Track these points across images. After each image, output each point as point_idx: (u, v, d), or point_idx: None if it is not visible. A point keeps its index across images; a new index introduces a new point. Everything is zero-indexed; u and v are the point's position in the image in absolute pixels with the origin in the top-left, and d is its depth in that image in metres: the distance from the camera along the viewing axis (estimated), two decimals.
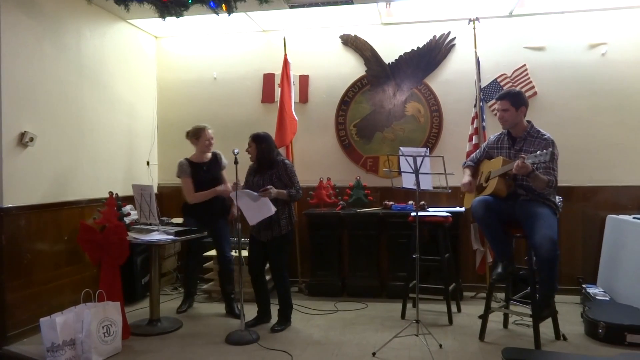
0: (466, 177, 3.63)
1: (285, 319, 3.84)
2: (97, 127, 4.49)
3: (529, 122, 3.40)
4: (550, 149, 3.00)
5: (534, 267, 3.27)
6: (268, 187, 3.55)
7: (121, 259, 3.57)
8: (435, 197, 4.73)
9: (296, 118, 4.88)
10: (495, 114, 4.61)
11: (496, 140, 3.55)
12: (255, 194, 3.52)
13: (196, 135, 4.16)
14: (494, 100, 4.68)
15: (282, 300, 3.84)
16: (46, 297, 3.78)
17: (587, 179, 4.61)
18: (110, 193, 4.12)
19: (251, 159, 3.80)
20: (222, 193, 4.15)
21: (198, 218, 4.08)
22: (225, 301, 4.23)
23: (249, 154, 3.77)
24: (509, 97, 3.36)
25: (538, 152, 3.00)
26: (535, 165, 3.06)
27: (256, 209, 3.55)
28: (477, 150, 3.79)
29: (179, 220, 4.57)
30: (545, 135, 3.30)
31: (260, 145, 3.72)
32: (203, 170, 4.13)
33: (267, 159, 3.73)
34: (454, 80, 4.86)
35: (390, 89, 5.01)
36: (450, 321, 3.87)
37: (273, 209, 3.54)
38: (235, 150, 3.57)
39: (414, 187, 3.39)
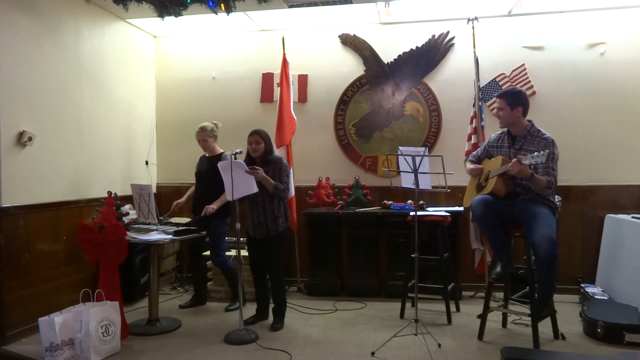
0: (470, 165, 3.62)
1: (282, 317, 3.86)
2: (96, 126, 4.48)
3: (529, 121, 3.38)
4: (548, 150, 2.99)
5: (532, 267, 3.27)
6: (257, 167, 3.56)
7: (120, 258, 3.57)
8: (434, 196, 4.74)
9: (295, 117, 4.87)
10: (493, 110, 4.65)
11: (497, 139, 3.54)
12: (246, 167, 3.49)
13: None
14: (494, 99, 4.68)
15: (279, 299, 3.85)
16: (45, 297, 3.78)
17: (586, 178, 4.61)
18: (109, 192, 4.11)
19: (253, 155, 3.74)
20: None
21: None
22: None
23: (254, 151, 3.72)
24: (506, 96, 3.37)
25: (535, 153, 2.98)
26: (533, 166, 3.05)
27: (238, 184, 3.49)
28: (479, 148, 3.78)
29: (178, 219, 4.55)
30: (545, 134, 3.28)
31: (267, 143, 3.76)
32: None
33: (269, 156, 3.76)
34: (452, 80, 4.86)
35: (389, 88, 5.01)
36: (449, 320, 3.87)
37: (255, 189, 3.54)
38: (239, 150, 3.59)
39: (413, 187, 3.39)
